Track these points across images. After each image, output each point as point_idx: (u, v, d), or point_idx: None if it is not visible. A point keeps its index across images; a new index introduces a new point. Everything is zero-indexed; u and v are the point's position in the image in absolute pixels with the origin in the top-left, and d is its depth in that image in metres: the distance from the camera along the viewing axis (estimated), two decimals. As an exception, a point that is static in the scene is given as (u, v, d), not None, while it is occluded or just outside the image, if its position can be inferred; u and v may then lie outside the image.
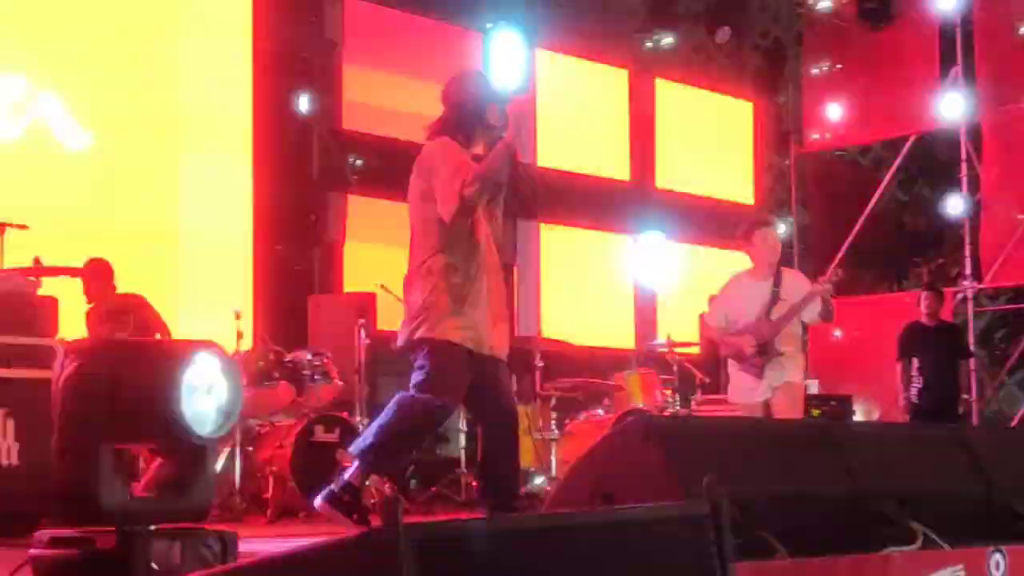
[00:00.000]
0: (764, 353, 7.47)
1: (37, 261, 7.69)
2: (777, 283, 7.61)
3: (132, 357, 3.96)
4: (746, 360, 7.50)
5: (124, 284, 8.75)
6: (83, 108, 10.09)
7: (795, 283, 7.70)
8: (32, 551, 3.82)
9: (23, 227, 8.19)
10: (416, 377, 5.83)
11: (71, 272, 8.07)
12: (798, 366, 7.66)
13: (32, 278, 7.50)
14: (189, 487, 3.86)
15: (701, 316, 8.29)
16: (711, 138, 15.40)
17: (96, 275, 8.49)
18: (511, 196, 6.06)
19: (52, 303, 7.12)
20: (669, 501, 3.57)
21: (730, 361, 7.71)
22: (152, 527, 3.70)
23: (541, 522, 3.35)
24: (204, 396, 3.93)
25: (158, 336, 8.40)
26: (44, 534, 3.79)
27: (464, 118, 6.02)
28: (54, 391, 4.34)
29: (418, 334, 5.82)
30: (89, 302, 8.52)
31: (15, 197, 9.50)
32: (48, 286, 7.52)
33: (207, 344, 4.13)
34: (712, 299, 8.21)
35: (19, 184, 9.63)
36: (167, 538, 3.66)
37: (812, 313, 7.62)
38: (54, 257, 8.10)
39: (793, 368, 7.58)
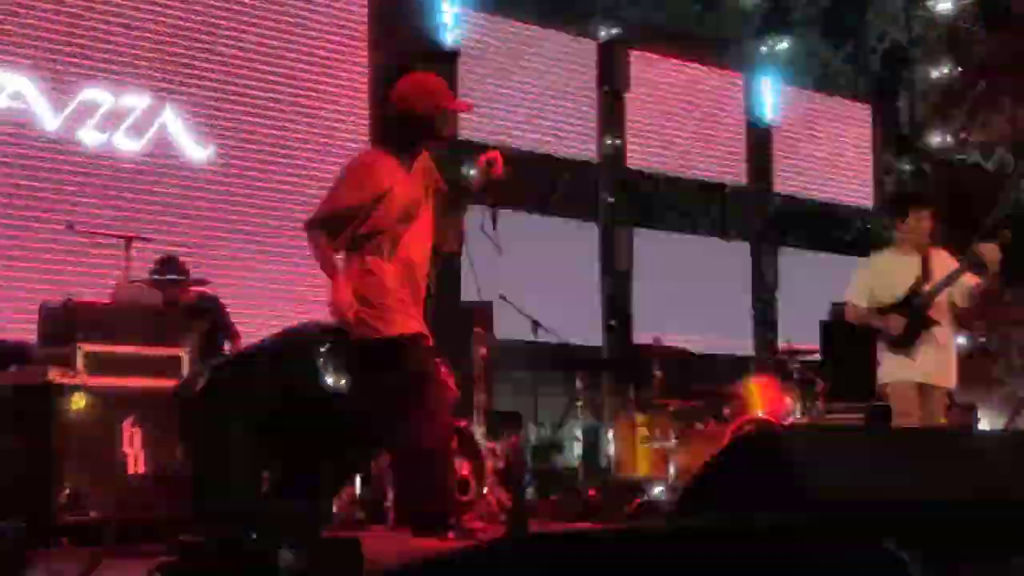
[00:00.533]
0: (918, 324, 7.33)
1: (162, 272, 7.84)
2: (927, 260, 7.46)
3: (263, 366, 4.01)
4: (896, 336, 7.34)
5: (245, 297, 8.84)
6: (205, 121, 10.25)
7: (945, 260, 7.52)
8: (163, 558, 3.88)
9: (148, 239, 8.36)
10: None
11: (195, 283, 8.20)
12: (951, 355, 7.48)
13: (157, 289, 7.66)
14: (314, 496, 3.90)
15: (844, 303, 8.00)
16: (829, 142, 15.23)
17: (170, 272, 8.26)
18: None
19: (177, 313, 7.26)
20: (794, 512, 3.52)
21: (879, 342, 7.56)
22: (280, 534, 3.74)
23: (664, 532, 3.32)
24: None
25: (226, 342, 8.29)
26: (175, 541, 3.85)
27: (411, 125, 5.77)
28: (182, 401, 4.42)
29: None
30: (164, 300, 8.23)
31: (140, 210, 9.69)
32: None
33: (327, 340, 4.16)
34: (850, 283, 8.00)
35: (143, 197, 9.82)
36: (295, 545, 3.70)
37: (966, 287, 7.39)
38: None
39: (947, 363, 7.42)
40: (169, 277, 7.98)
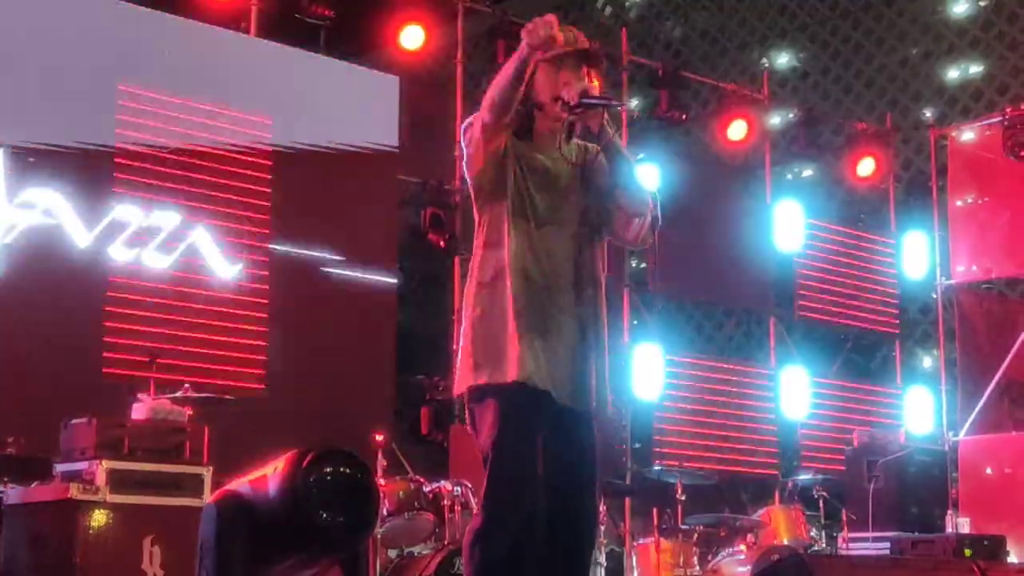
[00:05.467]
0: None
1: (187, 390, 7.84)
2: None
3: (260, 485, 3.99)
4: None
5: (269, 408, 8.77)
6: (233, 240, 10.29)
7: None
8: None
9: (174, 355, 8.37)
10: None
11: (221, 400, 8.18)
12: None
13: (181, 406, 7.65)
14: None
15: None
16: (854, 271, 15.14)
17: None
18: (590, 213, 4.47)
19: (201, 431, 7.24)
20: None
21: None
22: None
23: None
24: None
25: None
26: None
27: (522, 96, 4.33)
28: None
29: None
30: None
31: (166, 327, 9.70)
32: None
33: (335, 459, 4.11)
34: None
35: (170, 314, 9.83)
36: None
37: None
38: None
39: None
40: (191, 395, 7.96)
